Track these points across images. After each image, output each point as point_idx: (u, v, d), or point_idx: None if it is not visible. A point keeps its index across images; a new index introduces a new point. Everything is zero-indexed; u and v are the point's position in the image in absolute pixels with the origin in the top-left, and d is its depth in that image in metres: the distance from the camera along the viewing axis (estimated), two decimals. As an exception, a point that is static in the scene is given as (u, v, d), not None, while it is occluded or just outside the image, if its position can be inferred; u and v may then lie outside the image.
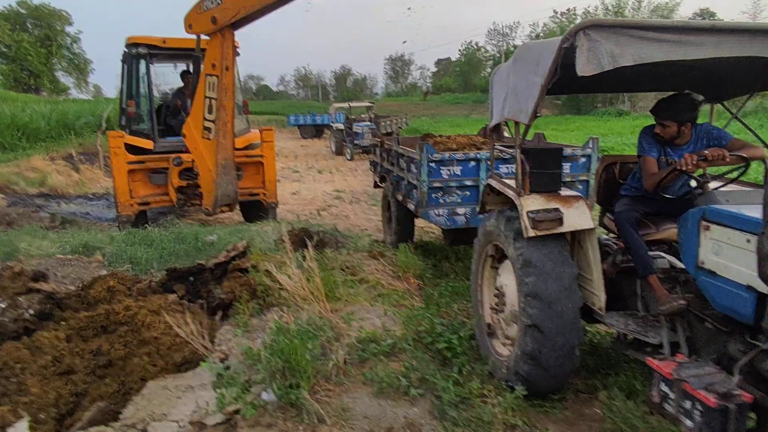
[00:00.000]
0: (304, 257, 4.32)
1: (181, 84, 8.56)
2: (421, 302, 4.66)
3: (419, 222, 6.59)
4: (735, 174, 3.06)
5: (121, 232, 6.72)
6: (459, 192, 5.53)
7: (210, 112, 6.55)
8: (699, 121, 3.29)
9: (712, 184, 3.13)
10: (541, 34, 51.64)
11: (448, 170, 5.46)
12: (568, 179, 5.71)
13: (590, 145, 5.81)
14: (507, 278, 3.53)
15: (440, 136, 7.54)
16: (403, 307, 4.34)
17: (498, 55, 55.74)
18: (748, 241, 2.25)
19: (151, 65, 8.22)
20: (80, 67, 48.04)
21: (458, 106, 45.49)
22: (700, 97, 4.00)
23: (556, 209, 3.15)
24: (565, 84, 3.20)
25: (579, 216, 3.16)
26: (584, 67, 2.54)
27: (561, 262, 3.12)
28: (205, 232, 6.22)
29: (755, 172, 4.64)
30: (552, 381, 3.17)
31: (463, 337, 3.77)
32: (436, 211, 5.51)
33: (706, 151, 2.85)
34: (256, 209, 8.30)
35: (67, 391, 3.21)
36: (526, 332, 3.10)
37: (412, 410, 2.98)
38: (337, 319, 3.83)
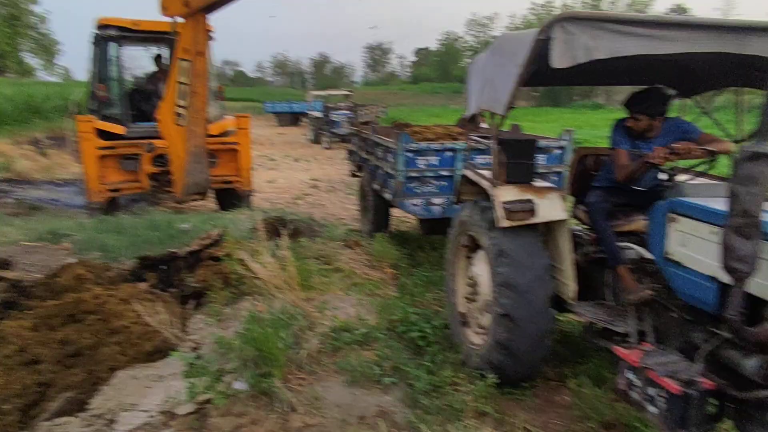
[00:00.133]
0: (278, 246, 4.28)
1: (155, 68, 8.36)
2: (396, 292, 4.67)
3: (396, 211, 6.60)
4: (703, 167, 3.13)
5: (90, 219, 6.57)
6: (435, 182, 5.54)
7: (182, 98, 6.41)
8: (673, 115, 3.36)
9: (681, 177, 3.20)
10: (520, 25, 51.91)
11: (425, 160, 5.46)
12: (543, 170, 5.76)
13: (565, 137, 5.87)
14: (481, 268, 3.56)
15: (418, 125, 7.53)
16: (377, 297, 4.35)
17: (477, 45, 55.87)
18: (713, 233, 2.30)
19: (122, 48, 7.99)
20: (47, 48, 46.48)
21: (437, 96, 45.56)
22: (672, 92, 4.08)
23: (530, 200, 3.18)
24: (541, 76, 3.22)
25: (552, 207, 3.20)
26: (559, 59, 2.55)
27: (534, 253, 3.16)
28: (179, 220, 6.12)
29: (724, 166, 4.76)
30: (523, 369, 3.23)
31: (436, 326, 3.81)
32: (413, 201, 5.52)
33: (676, 145, 2.90)
34: (230, 197, 8.19)
35: (33, 381, 3.13)
36: (498, 321, 3.14)
37: (384, 398, 3.00)
38: (311, 308, 3.82)
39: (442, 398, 2.99)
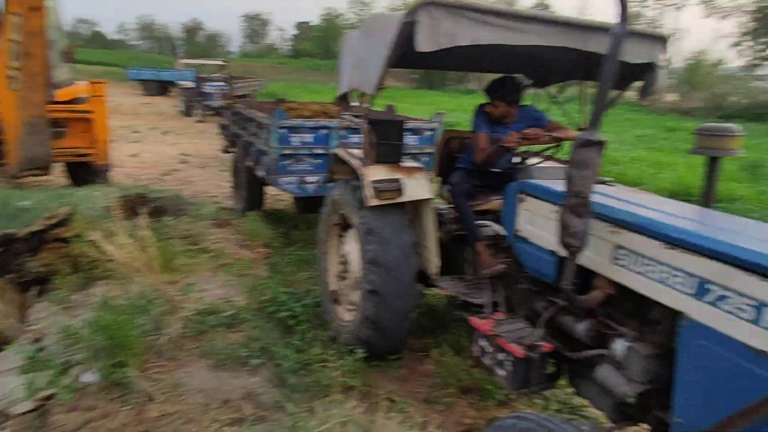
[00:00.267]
0: (137, 226, 3.97)
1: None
2: (267, 271, 4.58)
3: (271, 189, 6.44)
4: (551, 152, 3.44)
5: None
6: (310, 160, 5.48)
7: (15, 59, 5.58)
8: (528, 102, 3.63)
9: (532, 161, 3.49)
10: (402, 6, 52.71)
11: (299, 138, 5.37)
12: (415, 151, 5.97)
13: (436, 119, 6.11)
14: (351, 246, 3.61)
15: (294, 102, 7.38)
16: (247, 277, 4.23)
17: (359, 23, 55.71)
18: (553, 211, 2.55)
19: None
20: None
21: (318, 73, 44.91)
22: (527, 81, 4.41)
23: (398, 180, 3.27)
24: (410, 58, 3.28)
25: (418, 186, 3.33)
26: (423, 43, 2.63)
27: (400, 230, 3.27)
28: (18, 197, 5.39)
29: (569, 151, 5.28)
30: (390, 342, 3.35)
31: (307, 304, 3.81)
32: (287, 179, 5.41)
33: (527, 131, 3.16)
34: (84, 172, 7.38)
35: None
36: (366, 297, 3.22)
37: (251, 380, 2.94)
38: (174, 291, 3.61)
39: (310, 376, 3.01)
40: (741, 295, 1.69)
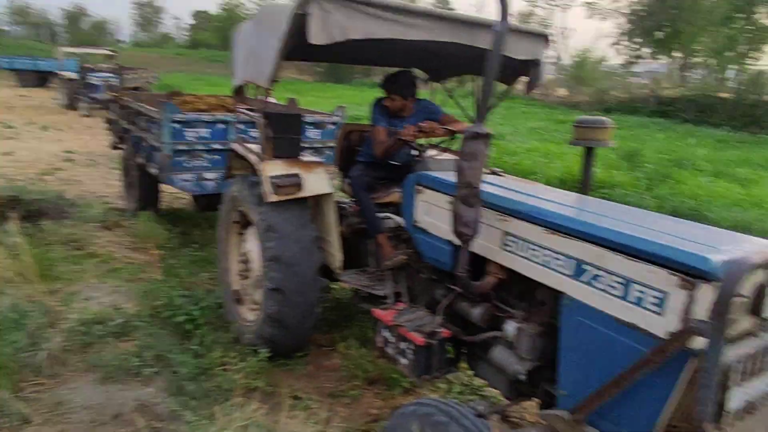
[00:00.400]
0: (7, 231, 3.57)
1: None
2: (162, 274, 4.33)
3: (168, 187, 6.09)
4: (446, 144, 3.55)
5: None
6: (207, 156, 5.24)
7: None
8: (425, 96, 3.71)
9: (430, 153, 3.58)
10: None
11: (195, 132, 5.11)
12: (318, 145, 5.91)
13: (338, 113, 6.08)
14: (252, 244, 3.51)
15: (189, 95, 7.01)
16: (140, 281, 3.97)
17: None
18: (448, 202, 2.63)
19: None
20: None
21: (218, 65, 43.04)
22: (424, 75, 4.52)
23: (296, 174, 3.22)
24: (305, 51, 3.23)
25: (318, 181, 3.29)
26: (316, 35, 2.59)
27: (301, 226, 3.22)
28: None
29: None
30: (294, 339, 3.30)
31: (206, 307, 3.65)
32: (183, 176, 5.14)
33: (422, 124, 3.23)
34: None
35: None
36: (269, 295, 3.15)
37: (145, 391, 2.77)
38: (54, 301, 3.30)
39: (210, 381, 2.89)
40: (611, 273, 1.84)
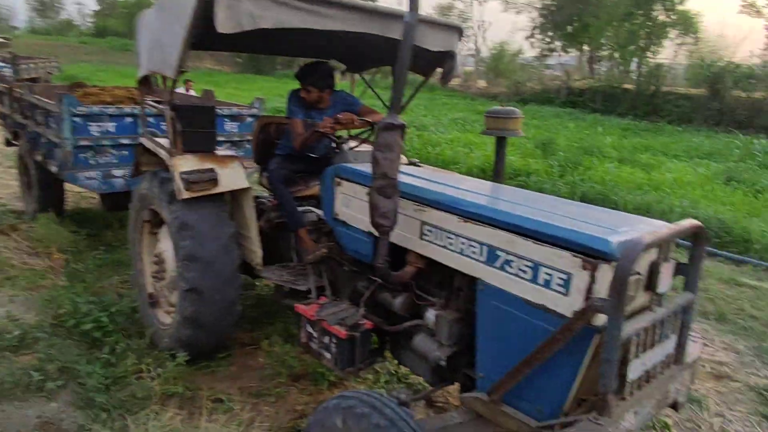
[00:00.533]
0: None
1: None
2: (66, 280, 4.02)
3: (73, 187, 5.66)
4: (365, 135, 3.54)
5: None
6: (114, 151, 4.92)
7: None
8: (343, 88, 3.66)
9: (350, 145, 3.56)
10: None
11: (99, 126, 4.78)
12: (237, 139, 5.73)
13: (256, 105, 5.92)
14: (166, 244, 3.34)
15: (94, 86, 6.56)
16: (41, 289, 3.67)
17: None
18: (366, 194, 2.62)
19: None
20: None
21: (128, 54, 40.54)
22: (342, 66, 4.48)
23: (211, 169, 3.09)
24: (213, 39, 3.08)
25: (234, 176, 3.18)
26: (223, 24, 2.48)
27: (218, 223, 3.11)
28: None
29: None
30: (214, 340, 3.20)
31: (117, 312, 3.43)
32: (87, 174, 4.79)
33: (340, 115, 3.20)
34: None
35: None
36: (185, 296, 3.02)
37: (48, 406, 2.56)
38: (-63, 316, 2.98)
39: (123, 390, 2.73)
40: (521, 258, 1.91)
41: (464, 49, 35.37)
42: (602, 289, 1.66)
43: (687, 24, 26.21)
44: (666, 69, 23.98)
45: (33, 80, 12.71)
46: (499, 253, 2.00)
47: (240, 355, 3.42)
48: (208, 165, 3.10)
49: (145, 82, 3.59)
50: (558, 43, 30.94)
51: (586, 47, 29.81)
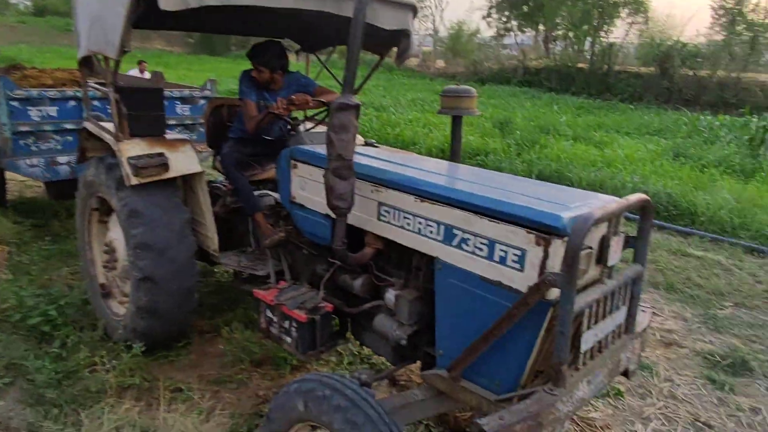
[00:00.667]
0: None
1: None
2: (9, 273, 3.83)
3: (15, 176, 5.37)
4: (321, 117, 3.48)
5: None
6: (58, 137, 4.69)
7: None
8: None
9: (305, 126, 3.49)
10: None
11: (40, 111, 4.54)
12: (189, 122, 5.56)
13: (209, 87, 5.74)
14: (116, 232, 3.22)
15: (33, 69, 6.20)
16: (-20, 284, 3.49)
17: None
18: (323, 176, 2.58)
19: None
20: None
21: (71, 35, 38.52)
22: (296, 46, 4.38)
23: (161, 154, 2.99)
24: (158, 18, 2.95)
25: (186, 160, 3.08)
26: (166, 1, 2.37)
27: (171, 209, 3.01)
28: None
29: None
30: (171, 329, 3.12)
31: (67, 305, 3.30)
32: (29, 161, 4.56)
33: (293, 96, 3.12)
34: None
35: None
36: (138, 286, 2.92)
37: (-5, 405, 2.46)
38: None
39: (75, 385, 2.63)
40: (477, 236, 1.93)
41: (422, 29, 35.32)
42: (555, 264, 1.70)
43: (637, 3, 26.86)
44: (618, 48, 24.56)
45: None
46: (455, 231, 2.01)
47: (199, 343, 3.36)
48: (157, 149, 2.99)
49: (87, 63, 3.42)
50: (514, 23, 31.21)
51: (541, 27, 30.17)
